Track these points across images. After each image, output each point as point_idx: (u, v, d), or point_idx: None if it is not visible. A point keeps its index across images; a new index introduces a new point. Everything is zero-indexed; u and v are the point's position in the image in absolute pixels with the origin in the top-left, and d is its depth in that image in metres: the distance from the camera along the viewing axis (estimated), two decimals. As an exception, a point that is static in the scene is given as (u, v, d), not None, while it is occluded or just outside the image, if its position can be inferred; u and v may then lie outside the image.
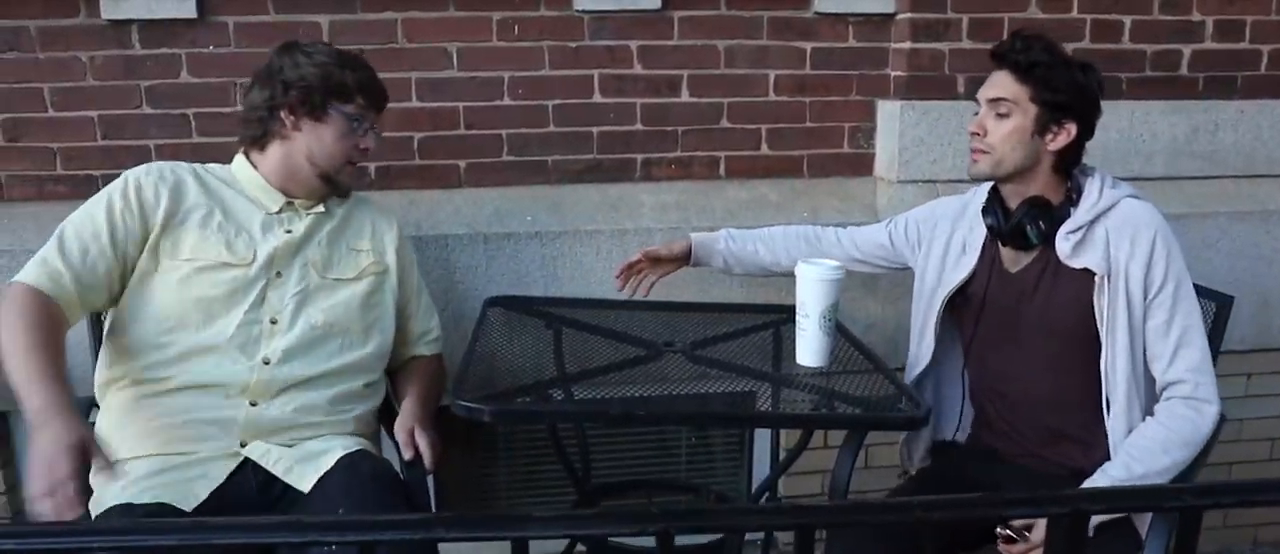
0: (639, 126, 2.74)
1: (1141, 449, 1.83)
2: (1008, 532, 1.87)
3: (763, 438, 2.97)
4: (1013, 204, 1.97)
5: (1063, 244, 1.91)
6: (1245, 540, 3.17)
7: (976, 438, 2.18)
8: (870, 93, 2.82)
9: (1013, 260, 2.03)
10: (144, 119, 2.55)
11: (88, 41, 2.49)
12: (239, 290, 1.90)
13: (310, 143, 1.98)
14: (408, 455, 1.95)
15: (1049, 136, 1.90)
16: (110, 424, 1.88)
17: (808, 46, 2.76)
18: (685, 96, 2.74)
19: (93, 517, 1.76)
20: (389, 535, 1.05)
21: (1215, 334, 2.15)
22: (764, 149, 2.82)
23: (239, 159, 2.04)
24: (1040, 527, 1.83)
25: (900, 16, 2.73)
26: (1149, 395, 1.93)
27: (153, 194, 1.92)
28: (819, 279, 1.97)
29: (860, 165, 2.87)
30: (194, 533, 1.07)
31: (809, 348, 2.02)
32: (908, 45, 2.68)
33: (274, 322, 1.92)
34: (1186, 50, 2.83)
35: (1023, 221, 1.93)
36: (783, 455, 2.58)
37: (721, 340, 2.23)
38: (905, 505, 1.08)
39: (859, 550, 1.93)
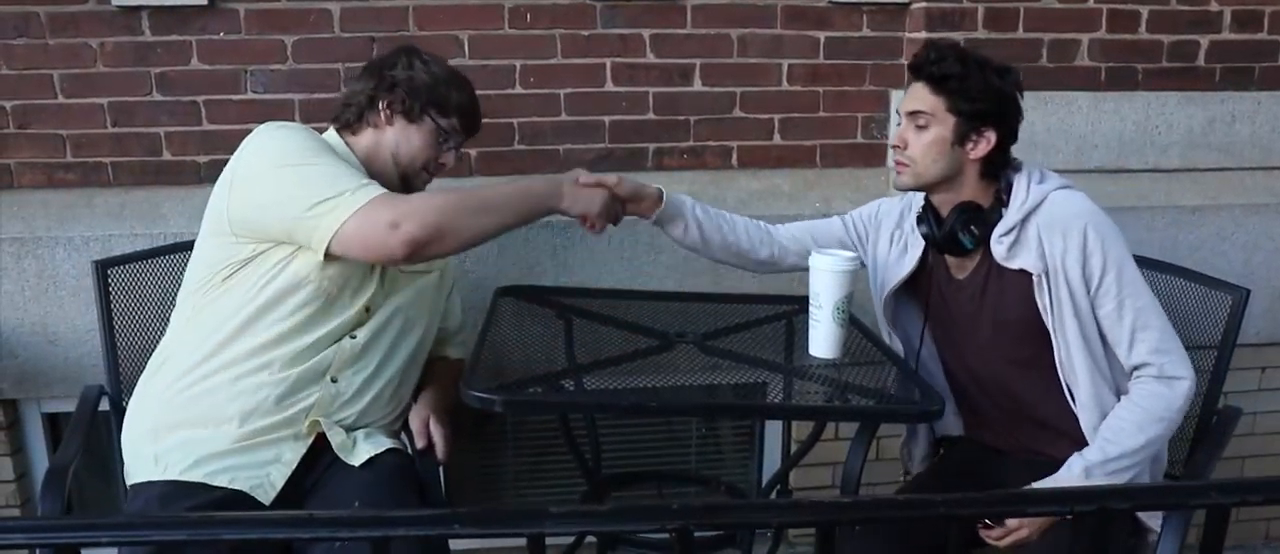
0: (651, 115, 2.72)
1: (1115, 431, 1.83)
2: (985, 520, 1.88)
3: (773, 429, 2.95)
4: (944, 211, 1.96)
5: (997, 247, 1.90)
6: (1257, 536, 3.16)
7: (978, 436, 2.16)
8: (884, 83, 2.79)
9: (958, 267, 2.01)
10: (154, 106, 2.53)
11: (98, 27, 2.48)
12: (354, 274, 1.89)
13: (399, 139, 1.98)
14: (421, 444, 1.97)
15: (970, 145, 1.88)
16: (175, 389, 1.84)
17: (821, 36, 2.74)
18: (697, 86, 2.72)
19: (165, 479, 1.76)
20: (403, 531, 1.03)
21: (1230, 328, 2.14)
22: (776, 139, 2.80)
23: (333, 134, 2.01)
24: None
25: (915, 6, 2.70)
26: (1117, 377, 1.92)
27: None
28: (833, 270, 1.95)
29: (873, 156, 2.85)
30: (203, 528, 1.06)
31: (822, 339, 2.00)
32: (922, 35, 2.66)
33: (368, 309, 1.93)
34: (1204, 41, 2.80)
35: (954, 229, 1.91)
36: (794, 447, 2.57)
37: (733, 331, 2.21)
38: (929, 502, 1.07)
39: (870, 547, 1.92)
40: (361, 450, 1.89)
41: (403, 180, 2.01)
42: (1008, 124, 1.90)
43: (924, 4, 2.64)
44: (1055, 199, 1.87)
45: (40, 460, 2.66)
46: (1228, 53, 2.81)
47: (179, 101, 2.54)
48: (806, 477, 2.89)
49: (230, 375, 1.82)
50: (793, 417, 2.60)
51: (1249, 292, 2.14)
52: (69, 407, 2.19)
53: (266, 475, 1.80)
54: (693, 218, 2.14)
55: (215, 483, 1.75)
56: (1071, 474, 1.82)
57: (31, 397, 2.58)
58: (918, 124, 1.89)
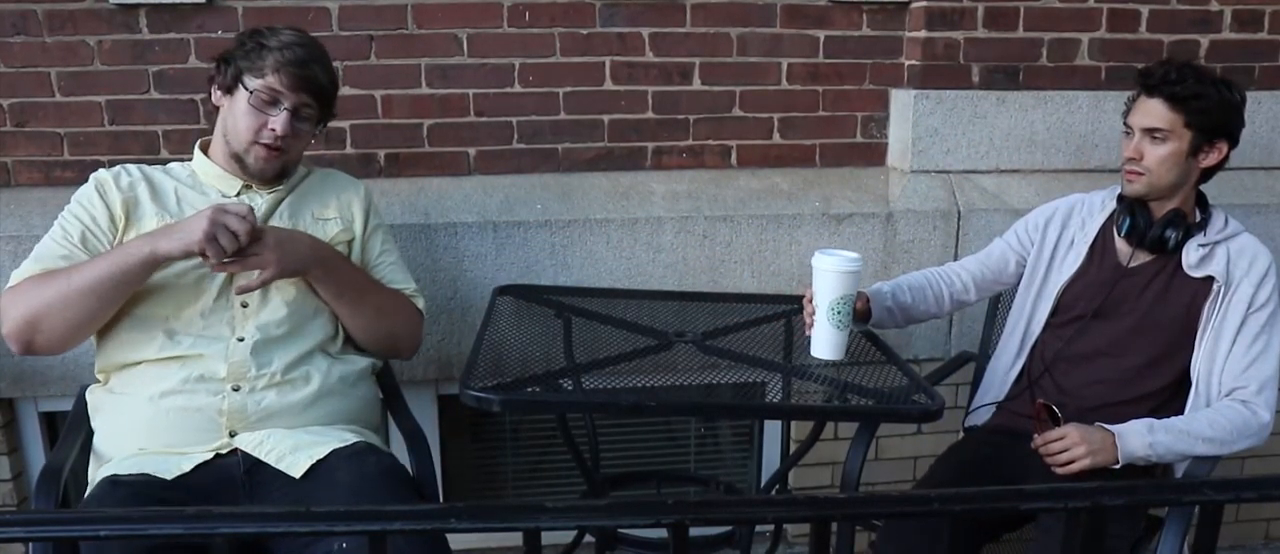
0: (650, 114, 2.72)
1: (1189, 417, 1.99)
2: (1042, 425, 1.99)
3: (772, 429, 2.95)
4: (1155, 213, 2.08)
5: (1191, 254, 2.06)
6: (1258, 536, 3.16)
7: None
8: (884, 82, 2.79)
9: (1130, 255, 2.13)
10: (152, 104, 2.53)
11: (96, 25, 2.47)
12: (206, 276, 1.85)
13: (227, 117, 1.92)
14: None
15: (1202, 156, 2.03)
16: (103, 423, 1.88)
17: (821, 34, 2.73)
18: (697, 84, 2.72)
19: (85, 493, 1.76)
20: (400, 526, 1.03)
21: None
22: (776, 138, 2.79)
23: (197, 153, 2.00)
24: (1071, 431, 1.94)
25: (914, 5, 2.70)
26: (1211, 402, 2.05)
27: (115, 196, 1.89)
28: (833, 270, 1.94)
29: (873, 155, 2.85)
30: (198, 522, 1.05)
31: (820, 339, 2.00)
32: (922, 34, 2.65)
33: (245, 305, 1.88)
34: (1204, 41, 2.79)
35: (1165, 232, 2.05)
36: (793, 447, 2.57)
37: (732, 331, 2.21)
38: (923, 498, 1.07)
39: (905, 541, 1.95)
40: (313, 451, 1.81)
41: (237, 161, 1.94)
42: (1235, 135, 2.05)
43: (924, 3, 2.64)
44: (1249, 236, 2.09)
45: (37, 459, 2.65)
46: (1228, 52, 2.81)
47: (177, 100, 2.53)
48: (806, 477, 2.89)
49: (131, 411, 1.83)
50: (791, 417, 2.60)
51: (1250, 291, 2.15)
52: (66, 405, 2.18)
53: (177, 464, 1.77)
54: (896, 306, 2.25)
55: (122, 472, 1.73)
56: (1136, 426, 1.95)
57: (28, 395, 2.58)
58: (1154, 138, 2.02)
